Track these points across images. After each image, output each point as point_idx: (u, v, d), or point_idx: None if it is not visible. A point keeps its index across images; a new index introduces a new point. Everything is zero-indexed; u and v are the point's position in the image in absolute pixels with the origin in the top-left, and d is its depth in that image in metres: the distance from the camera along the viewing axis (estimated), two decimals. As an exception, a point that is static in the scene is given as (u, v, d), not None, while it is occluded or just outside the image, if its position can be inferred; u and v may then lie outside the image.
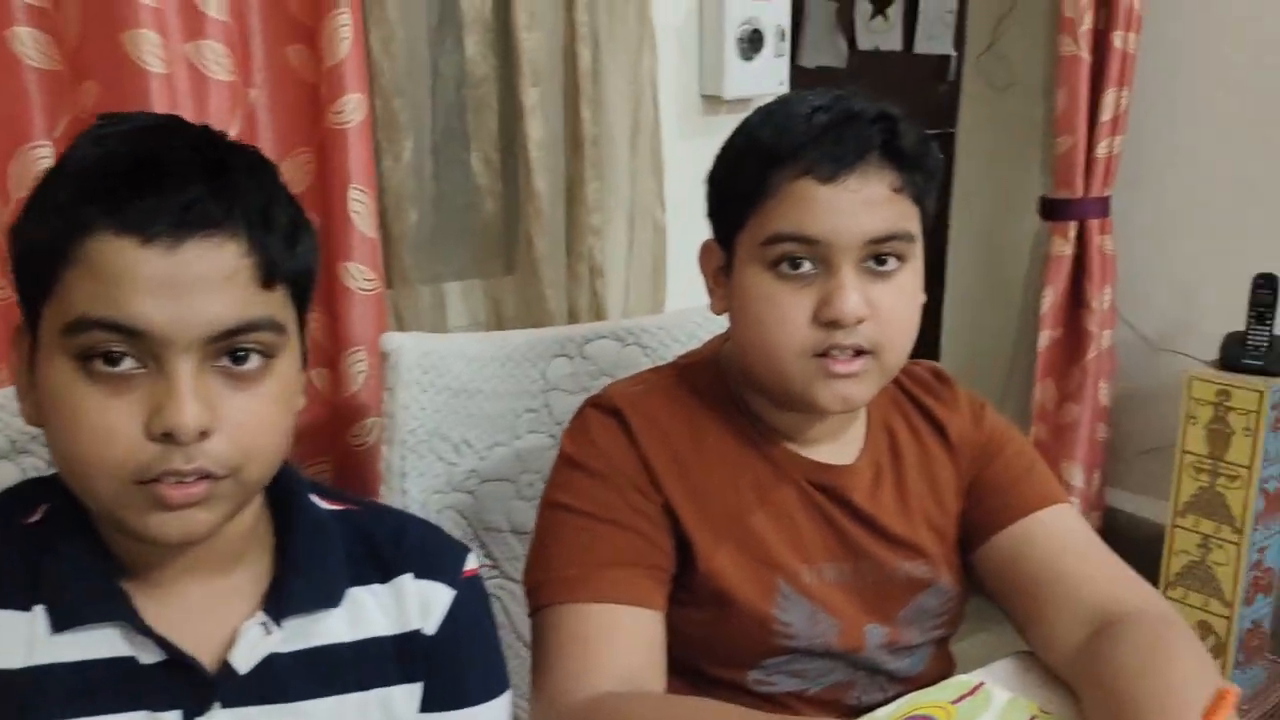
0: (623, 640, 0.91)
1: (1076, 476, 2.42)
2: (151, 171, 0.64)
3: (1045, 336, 2.39)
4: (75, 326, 0.64)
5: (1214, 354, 2.14)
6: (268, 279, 0.67)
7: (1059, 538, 1.02)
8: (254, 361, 0.67)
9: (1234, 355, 2.09)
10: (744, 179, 0.94)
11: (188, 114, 1.20)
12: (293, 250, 0.69)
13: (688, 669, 0.99)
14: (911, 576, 1.03)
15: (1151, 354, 2.46)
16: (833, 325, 0.90)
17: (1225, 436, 2.08)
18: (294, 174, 1.37)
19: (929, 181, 0.95)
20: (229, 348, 0.66)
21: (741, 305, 0.96)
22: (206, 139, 0.68)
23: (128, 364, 0.64)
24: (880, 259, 0.92)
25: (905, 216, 0.93)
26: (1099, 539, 1.04)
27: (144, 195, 0.63)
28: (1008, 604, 1.03)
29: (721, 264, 1.00)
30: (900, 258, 0.93)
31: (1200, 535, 2.14)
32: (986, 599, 1.06)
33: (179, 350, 0.64)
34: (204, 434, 0.64)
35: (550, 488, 1.00)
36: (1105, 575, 0.99)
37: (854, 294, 0.90)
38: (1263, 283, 2.09)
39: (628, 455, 0.97)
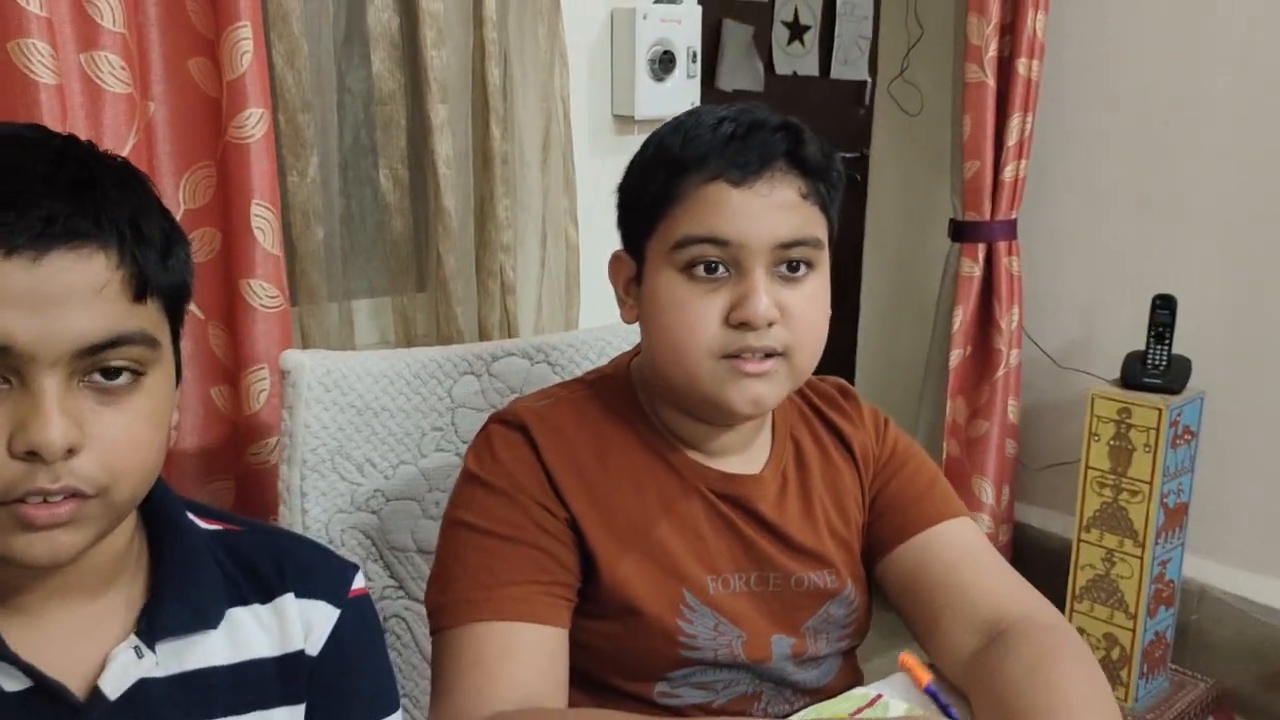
0: (523, 658, 0.90)
1: (987, 492, 2.46)
2: (12, 183, 0.62)
3: (956, 355, 2.43)
4: None
5: (1116, 373, 2.20)
6: (139, 292, 0.65)
7: (957, 550, 1.04)
8: (125, 377, 0.65)
9: (1134, 374, 2.15)
10: (654, 185, 0.95)
11: (81, 126, 1.17)
12: (166, 263, 0.67)
13: (594, 682, 0.98)
14: (817, 586, 1.03)
15: (1056, 372, 2.51)
16: (744, 327, 0.91)
17: (1127, 453, 2.13)
18: (195, 189, 1.34)
19: (834, 191, 0.97)
20: (98, 363, 0.64)
21: (653, 310, 0.97)
22: (71, 149, 0.66)
23: None
24: (791, 265, 0.94)
25: (813, 223, 0.94)
26: (996, 552, 1.06)
27: (3, 208, 0.61)
28: (908, 615, 1.05)
29: (632, 274, 1.00)
30: (809, 264, 0.95)
31: (1104, 549, 2.19)
32: (891, 610, 1.07)
33: (45, 366, 0.62)
34: (71, 451, 0.62)
35: (452, 505, 0.99)
36: (999, 586, 1.01)
37: (765, 296, 0.91)
38: (1161, 303, 2.15)
39: (532, 470, 0.97)
